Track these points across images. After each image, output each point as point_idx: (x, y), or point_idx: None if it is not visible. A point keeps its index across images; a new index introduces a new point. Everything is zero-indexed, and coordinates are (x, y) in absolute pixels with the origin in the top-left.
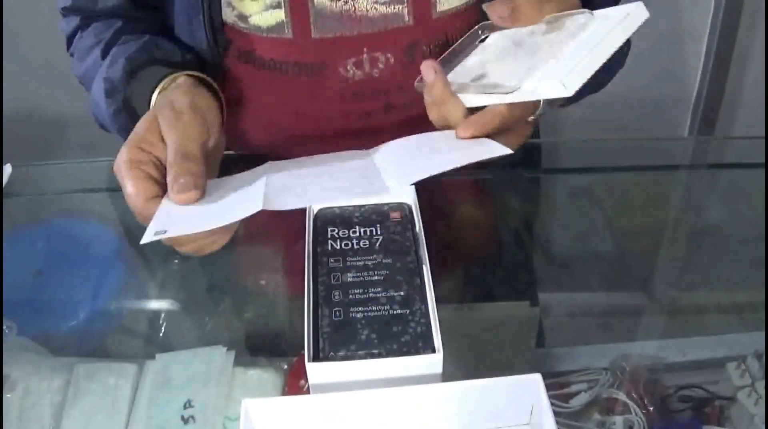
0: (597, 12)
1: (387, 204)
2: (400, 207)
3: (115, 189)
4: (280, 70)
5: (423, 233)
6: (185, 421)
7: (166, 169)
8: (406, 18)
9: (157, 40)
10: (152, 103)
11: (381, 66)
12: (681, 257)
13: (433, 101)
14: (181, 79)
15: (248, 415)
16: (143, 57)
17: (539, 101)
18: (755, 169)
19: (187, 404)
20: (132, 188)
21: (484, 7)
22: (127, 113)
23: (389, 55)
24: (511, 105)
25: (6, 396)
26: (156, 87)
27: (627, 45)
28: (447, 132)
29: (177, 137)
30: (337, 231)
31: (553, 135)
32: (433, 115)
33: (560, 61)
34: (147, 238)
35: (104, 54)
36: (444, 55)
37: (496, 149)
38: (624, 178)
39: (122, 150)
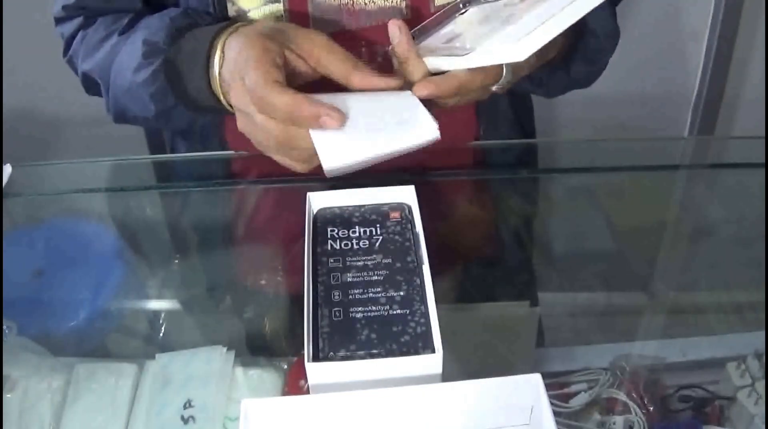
0: None
1: (387, 204)
2: (400, 207)
3: (115, 189)
4: None
5: (423, 233)
6: (185, 421)
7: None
8: (404, 11)
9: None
10: (221, 47)
11: (380, 59)
12: (681, 257)
13: (398, 62)
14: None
15: (248, 415)
16: (186, 21)
17: (502, 70)
18: (755, 169)
19: (187, 404)
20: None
21: None
22: (165, 75)
23: (387, 47)
24: (471, 71)
25: (6, 396)
26: (221, 33)
27: (615, 35)
28: (400, 94)
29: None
30: (336, 231)
31: (553, 135)
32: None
33: (518, 27)
34: (330, 169)
35: (120, 40)
36: (421, 25)
37: (426, 132)
38: (624, 178)
39: (254, 74)
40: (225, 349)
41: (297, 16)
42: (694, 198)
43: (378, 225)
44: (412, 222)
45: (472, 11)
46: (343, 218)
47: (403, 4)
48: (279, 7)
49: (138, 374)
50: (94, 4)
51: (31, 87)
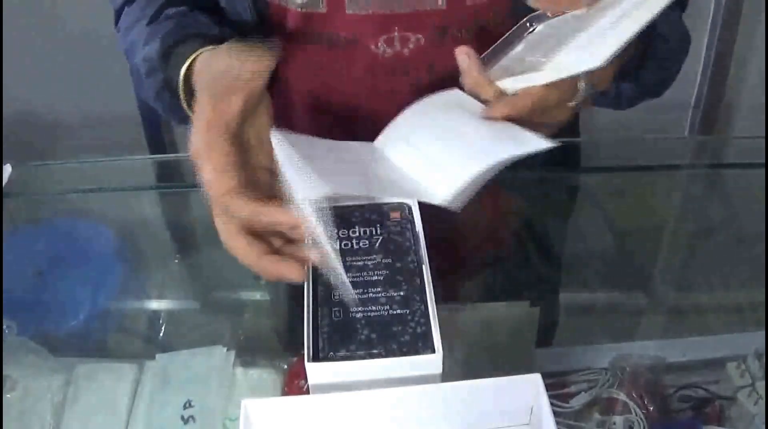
0: None
1: (387, 204)
2: (400, 207)
3: (115, 189)
4: (312, 44)
5: (423, 233)
6: (185, 421)
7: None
8: (440, 1)
9: (192, 14)
10: (183, 79)
11: (411, 46)
12: (681, 257)
13: (469, 88)
14: (206, 53)
15: (248, 415)
16: (178, 33)
17: (578, 84)
18: (755, 169)
19: (187, 404)
20: (210, 176)
21: None
22: (170, 92)
23: (420, 35)
24: (546, 87)
25: (6, 396)
26: (184, 65)
27: (686, 38)
28: (474, 112)
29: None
30: (337, 231)
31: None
32: None
33: (589, 33)
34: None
35: (145, 30)
36: (492, 47)
37: (530, 142)
38: (624, 178)
39: (193, 137)
40: (225, 349)
41: None
42: (694, 198)
43: (378, 225)
44: (412, 222)
45: (541, 29)
46: (343, 218)
47: None
48: None
49: (138, 374)
50: None
51: (31, 87)
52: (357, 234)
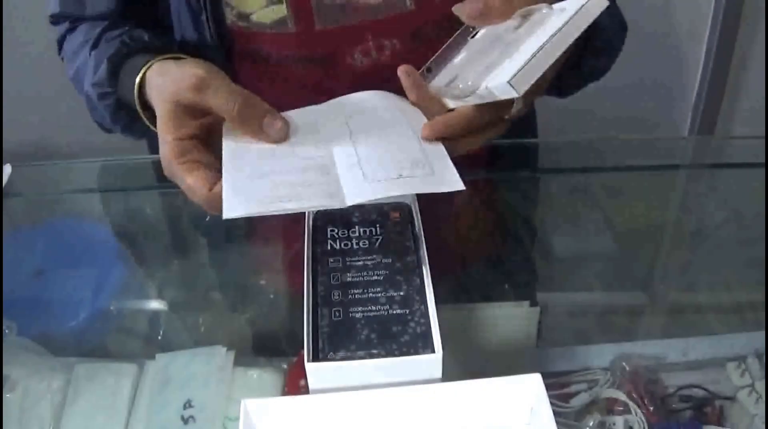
0: (556, 5)
1: (387, 204)
2: (400, 207)
3: (115, 189)
4: (287, 64)
5: (423, 233)
6: (185, 421)
7: (210, 141)
8: (408, 3)
9: (134, 32)
10: (137, 93)
11: (387, 52)
12: (681, 257)
13: (414, 103)
14: (156, 64)
15: (248, 415)
16: (121, 53)
17: (512, 100)
18: (755, 169)
19: (187, 404)
20: (193, 182)
21: (453, 9)
22: (125, 112)
23: (395, 40)
24: (480, 106)
25: (6, 396)
26: (135, 79)
27: (623, 28)
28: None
29: (219, 89)
30: (336, 231)
31: (553, 135)
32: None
33: (512, 61)
34: (229, 214)
35: (90, 55)
36: (438, 53)
37: (446, 184)
38: (624, 178)
39: (162, 147)
40: (225, 349)
41: (300, 14)
42: (694, 198)
43: (378, 225)
44: (412, 222)
45: (482, 34)
46: (343, 218)
47: None
48: (281, 8)
49: (138, 374)
50: (71, 12)
51: (31, 87)
52: (357, 234)
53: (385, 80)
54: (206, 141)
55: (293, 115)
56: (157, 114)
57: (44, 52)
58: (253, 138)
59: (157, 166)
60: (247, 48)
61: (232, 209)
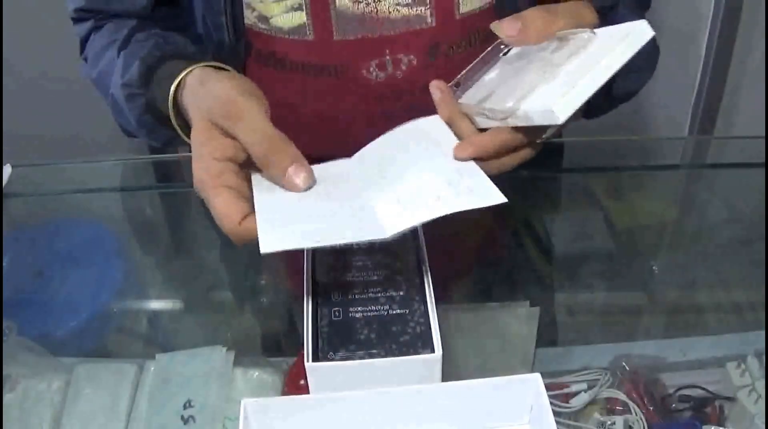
0: (599, 30)
1: None
2: None
3: (115, 189)
4: (303, 71)
5: (423, 233)
6: (185, 421)
7: (243, 163)
8: (429, 19)
9: (167, 35)
10: (173, 99)
11: (404, 67)
12: (681, 257)
13: (445, 120)
14: (197, 70)
15: (248, 415)
16: (156, 55)
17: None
18: (755, 169)
19: (187, 404)
20: (224, 209)
21: (492, 26)
22: (153, 116)
23: (412, 56)
24: (515, 128)
25: (6, 396)
26: (173, 83)
27: (655, 49)
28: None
29: (250, 124)
30: None
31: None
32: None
33: (555, 86)
34: (266, 249)
35: (119, 55)
36: (467, 69)
37: (486, 198)
38: (624, 178)
39: (196, 163)
40: (225, 349)
41: (320, 22)
42: (694, 198)
43: None
44: None
45: (515, 52)
46: None
47: (428, 13)
48: (302, 14)
49: (138, 374)
50: (99, 7)
51: (32, 86)
52: None
53: (397, 95)
54: (239, 162)
55: (321, 166)
56: (192, 125)
57: (45, 52)
58: (275, 184)
59: (158, 166)
60: (265, 50)
61: (269, 245)
